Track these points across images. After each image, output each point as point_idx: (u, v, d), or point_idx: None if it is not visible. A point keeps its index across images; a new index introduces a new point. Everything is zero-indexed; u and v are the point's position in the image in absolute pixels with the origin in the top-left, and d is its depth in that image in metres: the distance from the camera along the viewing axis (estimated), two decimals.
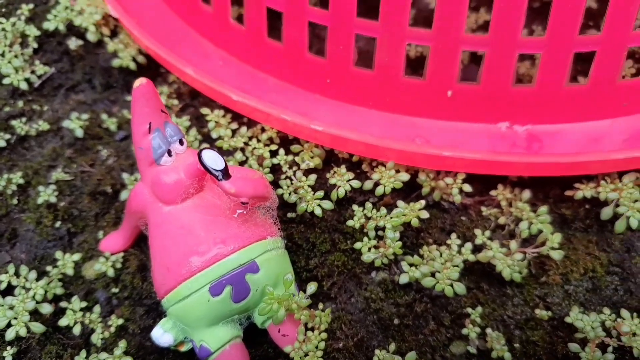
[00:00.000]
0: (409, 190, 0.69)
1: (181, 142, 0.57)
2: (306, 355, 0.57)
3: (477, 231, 0.64)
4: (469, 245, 0.63)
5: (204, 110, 0.72)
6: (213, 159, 0.52)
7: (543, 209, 0.64)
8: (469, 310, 0.61)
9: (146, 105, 0.55)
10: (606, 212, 0.65)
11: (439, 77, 0.65)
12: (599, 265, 0.64)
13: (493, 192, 0.67)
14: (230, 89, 0.69)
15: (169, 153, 0.56)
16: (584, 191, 0.65)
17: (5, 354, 0.62)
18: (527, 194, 0.66)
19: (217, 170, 0.52)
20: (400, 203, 0.64)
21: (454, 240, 0.64)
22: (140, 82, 0.54)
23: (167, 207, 0.56)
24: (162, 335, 0.57)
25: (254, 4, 0.69)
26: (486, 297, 0.63)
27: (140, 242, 0.68)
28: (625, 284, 0.63)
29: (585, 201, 0.68)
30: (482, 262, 0.63)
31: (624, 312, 0.59)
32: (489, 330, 0.59)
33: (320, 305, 0.60)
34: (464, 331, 0.60)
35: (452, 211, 0.69)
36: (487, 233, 0.64)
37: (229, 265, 0.54)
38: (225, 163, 0.53)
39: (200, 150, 0.52)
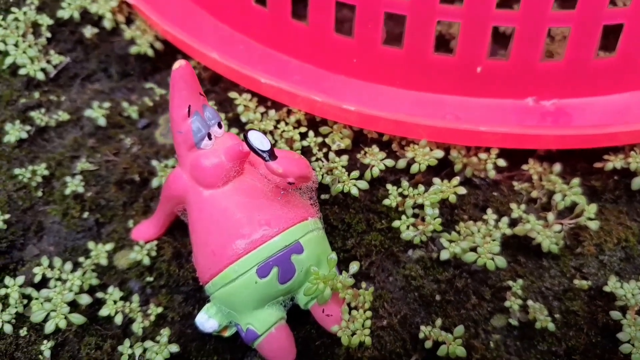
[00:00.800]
0: (439, 168, 0.69)
1: (219, 125, 0.57)
2: (353, 334, 0.57)
3: (513, 205, 0.64)
4: (505, 219, 0.64)
5: (232, 94, 0.71)
6: (259, 140, 0.52)
7: (575, 181, 0.65)
8: (510, 283, 0.61)
9: (185, 87, 0.54)
10: (636, 182, 0.66)
11: (469, 53, 0.65)
12: (631, 235, 0.65)
13: (524, 167, 0.68)
14: (257, 72, 0.69)
15: (209, 136, 0.56)
16: (614, 162, 0.66)
17: (43, 347, 0.61)
18: (557, 167, 0.67)
19: (263, 151, 0.51)
20: (436, 180, 0.64)
21: (490, 215, 0.64)
22: (179, 63, 0.53)
23: (208, 190, 0.56)
24: (207, 320, 0.57)
25: None
26: (524, 269, 0.64)
27: (173, 230, 0.67)
28: None
29: (614, 172, 0.68)
30: (517, 236, 0.64)
31: None
32: (530, 302, 0.60)
33: (363, 284, 0.60)
34: (506, 304, 0.60)
35: (484, 187, 0.69)
36: (522, 207, 0.64)
37: (275, 246, 0.54)
38: (271, 144, 0.52)
39: (246, 132, 0.52)
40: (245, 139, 0.52)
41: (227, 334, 0.59)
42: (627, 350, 0.56)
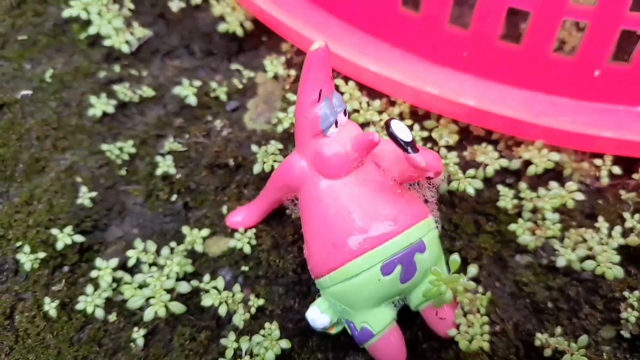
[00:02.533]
0: (542, 172, 0.67)
1: (345, 113, 0.54)
2: (472, 339, 0.55)
3: (626, 214, 0.62)
4: (618, 228, 0.62)
5: (338, 82, 0.68)
6: (402, 130, 0.49)
7: None
8: (626, 294, 0.59)
9: (320, 71, 0.51)
10: None
11: (589, 55, 0.63)
12: None
13: (635, 176, 0.66)
14: (363, 59, 0.66)
15: (336, 124, 0.53)
16: None
17: (135, 335, 0.58)
18: None
19: (407, 143, 0.48)
20: (553, 184, 0.62)
21: (601, 223, 0.62)
22: (318, 44, 0.49)
23: (329, 180, 0.53)
24: (320, 316, 0.54)
25: None
26: (635, 281, 0.62)
27: (269, 219, 0.64)
28: None
29: None
30: (628, 246, 0.62)
31: None
32: None
33: (480, 289, 0.58)
34: (623, 315, 0.58)
35: (589, 194, 0.67)
36: (637, 216, 0.62)
37: (401, 243, 0.51)
38: (413, 136, 0.49)
39: (389, 121, 0.49)
40: (387, 128, 0.49)
41: (334, 331, 0.56)
42: None
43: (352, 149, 0.51)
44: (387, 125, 0.49)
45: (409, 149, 0.48)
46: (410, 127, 0.68)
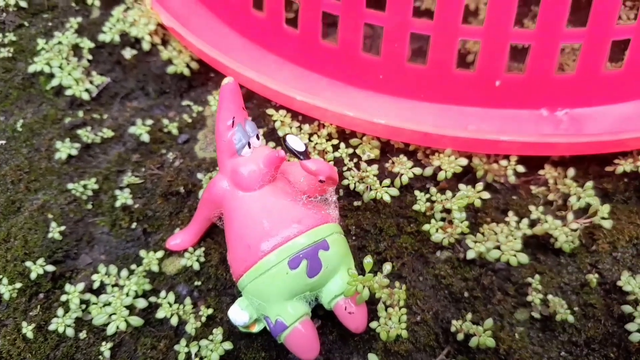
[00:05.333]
0: (461, 175, 0.74)
1: (258, 137, 0.63)
2: (390, 329, 0.62)
3: (532, 207, 0.70)
4: (525, 220, 0.69)
5: (269, 111, 0.77)
6: (296, 142, 0.59)
7: (589, 184, 0.71)
8: (530, 279, 0.67)
9: (232, 101, 0.61)
10: None
11: (488, 68, 0.71)
12: None
13: (541, 172, 0.73)
14: (291, 90, 0.74)
15: (249, 145, 0.62)
16: (624, 166, 0.72)
17: (102, 348, 0.66)
18: (571, 171, 0.72)
19: (299, 152, 0.58)
20: (461, 186, 0.70)
21: (511, 217, 0.70)
22: (228, 80, 0.60)
23: (245, 193, 0.61)
24: (239, 313, 0.61)
25: (310, 9, 0.74)
26: (543, 267, 0.69)
27: (218, 238, 0.73)
28: None
29: (624, 175, 0.74)
30: (536, 236, 0.70)
31: None
32: (550, 297, 0.66)
33: (397, 284, 0.65)
34: (528, 298, 0.66)
35: (503, 191, 0.75)
36: (540, 209, 0.70)
37: (305, 241, 0.59)
38: (306, 146, 0.58)
39: (284, 135, 0.58)
40: (284, 141, 0.58)
41: (255, 329, 0.63)
42: (637, 338, 0.61)
43: (263, 165, 0.60)
44: (284, 140, 0.58)
45: (301, 157, 0.58)
46: (337, 146, 0.76)
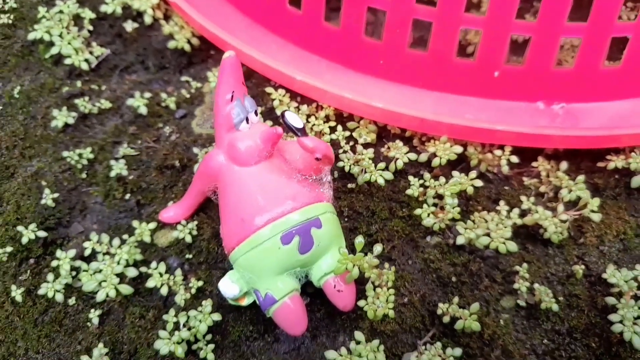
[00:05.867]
0: (456, 163, 0.75)
1: (256, 113, 0.63)
2: (378, 309, 0.63)
3: (523, 198, 0.71)
4: (516, 210, 0.70)
5: (269, 89, 0.77)
6: (294, 119, 0.59)
7: (580, 177, 0.72)
8: (517, 267, 0.68)
9: (232, 75, 0.61)
10: (636, 181, 0.72)
11: (488, 58, 0.72)
12: (629, 228, 0.72)
13: (534, 164, 0.74)
14: (292, 70, 0.74)
15: (247, 120, 0.62)
16: (616, 162, 0.73)
17: (91, 315, 0.67)
18: (564, 164, 0.73)
19: (297, 129, 0.58)
20: (455, 173, 0.70)
21: (502, 206, 0.70)
22: (229, 54, 0.60)
23: (241, 168, 0.62)
24: (230, 285, 0.62)
25: None
26: (531, 256, 0.70)
27: (211, 212, 0.73)
28: None
29: (615, 171, 0.75)
30: (526, 226, 0.71)
31: None
32: (536, 285, 0.67)
33: (386, 265, 0.66)
34: (515, 286, 0.67)
35: (496, 181, 0.76)
36: (532, 199, 0.71)
37: (299, 218, 0.59)
38: (304, 123, 0.59)
39: (283, 112, 0.59)
40: (282, 117, 0.58)
41: (244, 302, 0.64)
42: (619, 329, 0.62)
43: (260, 141, 0.61)
44: (282, 115, 0.59)
45: (299, 133, 0.58)
46: (334, 128, 0.76)
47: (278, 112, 0.77)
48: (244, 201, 0.61)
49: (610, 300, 0.65)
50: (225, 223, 0.63)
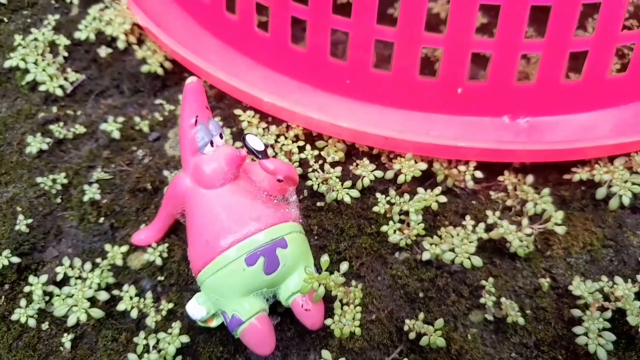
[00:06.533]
0: (424, 179, 0.76)
1: (221, 136, 0.65)
2: (344, 327, 0.64)
3: (489, 212, 0.72)
4: (482, 225, 0.71)
5: (237, 111, 0.78)
6: (255, 141, 0.60)
7: (546, 190, 0.72)
8: (484, 282, 0.68)
9: (195, 100, 0.63)
10: (601, 192, 0.73)
11: (450, 76, 0.73)
12: (596, 240, 0.73)
13: (500, 178, 0.75)
14: (260, 91, 0.76)
15: (211, 144, 0.63)
16: (580, 174, 0.74)
17: (63, 339, 0.67)
18: (530, 178, 0.74)
19: (258, 151, 0.59)
20: (419, 190, 0.71)
21: (468, 221, 0.71)
22: (192, 79, 0.62)
23: (206, 190, 0.63)
24: (197, 307, 0.63)
25: (280, 13, 0.75)
26: (498, 270, 0.71)
27: (182, 234, 0.74)
28: (619, 255, 0.72)
29: (581, 183, 0.76)
30: (493, 240, 0.71)
31: (618, 279, 0.67)
32: (503, 299, 0.67)
33: (353, 282, 0.67)
34: (482, 301, 0.67)
35: (464, 196, 0.76)
36: (497, 214, 0.71)
37: (263, 238, 0.60)
38: (265, 145, 0.60)
39: (245, 135, 0.60)
40: (243, 140, 0.59)
41: (213, 324, 0.65)
42: (583, 341, 0.63)
43: (224, 163, 0.62)
44: (243, 139, 0.60)
45: (260, 156, 0.59)
46: (303, 148, 0.78)
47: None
48: (209, 223, 0.62)
49: (576, 312, 0.66)
50: (192, 245, 0.64)
